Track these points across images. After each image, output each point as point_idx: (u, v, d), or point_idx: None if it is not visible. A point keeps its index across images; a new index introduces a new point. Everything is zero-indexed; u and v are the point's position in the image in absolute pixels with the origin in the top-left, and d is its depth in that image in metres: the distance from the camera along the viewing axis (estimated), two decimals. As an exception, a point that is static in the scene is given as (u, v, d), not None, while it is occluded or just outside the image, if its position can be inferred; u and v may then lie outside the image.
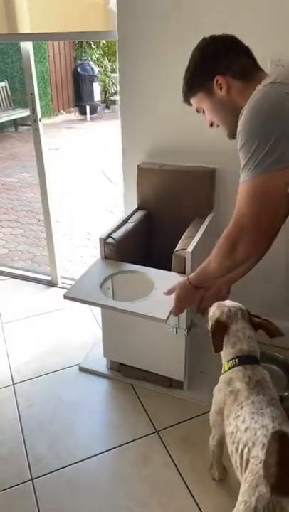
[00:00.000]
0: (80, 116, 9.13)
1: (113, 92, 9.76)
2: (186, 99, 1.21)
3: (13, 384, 1.93)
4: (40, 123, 2.26)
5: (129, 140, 2.00)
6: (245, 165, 0.98)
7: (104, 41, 9.25)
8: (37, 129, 2.27)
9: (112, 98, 9.64)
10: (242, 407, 1.12)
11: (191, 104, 1.22)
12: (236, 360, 1.21)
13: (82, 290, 1.51)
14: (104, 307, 1.51)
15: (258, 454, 0.98)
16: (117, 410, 1.80)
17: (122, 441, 1.64)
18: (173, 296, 1.41)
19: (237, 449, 1.06)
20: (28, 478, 1.52)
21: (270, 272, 1.99)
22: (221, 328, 1.24)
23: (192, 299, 1.41)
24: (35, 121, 2.26)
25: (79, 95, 8.98)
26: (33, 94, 2.20)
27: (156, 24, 1.76)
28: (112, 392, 1.88)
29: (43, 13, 2.02)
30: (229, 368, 1.22)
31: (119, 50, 1.85)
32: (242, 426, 1.08)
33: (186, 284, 1.35)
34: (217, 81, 1.09)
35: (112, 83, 9.71)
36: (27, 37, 2.06)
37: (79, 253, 3.46)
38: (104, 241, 1.67)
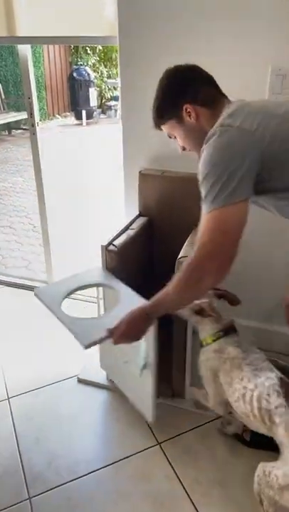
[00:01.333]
0: (76, 121, 9.11)
1: (109, 97, 9.77)
2: (157, 126, 1.29)
3: (8, 398, 1.87)
4: (37, 127, 2.22)
5: (131, 146, 1.97)
6: (205, 198, 1.07)
7: (100, 47, 9.27)
8: (34, 134, 2.23)
9: (108, 103, 9.64)
10: (242, 370, 1.27)
11: (161, 130, 1.30)
12: (221, 333, 1.38)
13: (50, 293, 1.55)
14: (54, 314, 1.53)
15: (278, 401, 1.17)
16: (117, 423, 1.75)
17: (123, 455, 1.59)
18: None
19: (252, 406, 1.21)
20: (25, 497, 1.46)
21: (268, 278, 1.98)
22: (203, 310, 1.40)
23: (141, 329, 1.25)
24: (33, 125, 2.22)
25: (75, 100, 8.96)
26: (30, 98, 2.16)
27: (157, 30, 1.74)
28: (112, 404, 1.83)
29: (40, 16, 2.00)
30: (213, 341, 1.38)
31: (121, 55, 1.83)
32: (250, 385, 1.23)
33: (140, 311, 1.23)
34: (186, 109, 1.18)
35: (109, 89, 9.71)
36: (26, 40, 2.03)
37: (75, 259, 3.40)
38: (106, 248, 1.63)
